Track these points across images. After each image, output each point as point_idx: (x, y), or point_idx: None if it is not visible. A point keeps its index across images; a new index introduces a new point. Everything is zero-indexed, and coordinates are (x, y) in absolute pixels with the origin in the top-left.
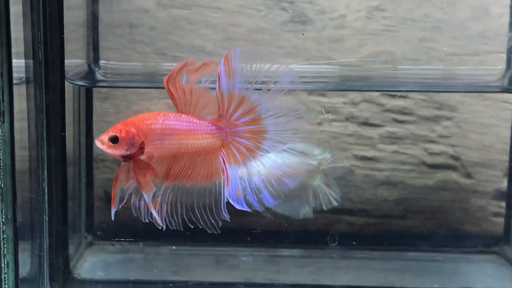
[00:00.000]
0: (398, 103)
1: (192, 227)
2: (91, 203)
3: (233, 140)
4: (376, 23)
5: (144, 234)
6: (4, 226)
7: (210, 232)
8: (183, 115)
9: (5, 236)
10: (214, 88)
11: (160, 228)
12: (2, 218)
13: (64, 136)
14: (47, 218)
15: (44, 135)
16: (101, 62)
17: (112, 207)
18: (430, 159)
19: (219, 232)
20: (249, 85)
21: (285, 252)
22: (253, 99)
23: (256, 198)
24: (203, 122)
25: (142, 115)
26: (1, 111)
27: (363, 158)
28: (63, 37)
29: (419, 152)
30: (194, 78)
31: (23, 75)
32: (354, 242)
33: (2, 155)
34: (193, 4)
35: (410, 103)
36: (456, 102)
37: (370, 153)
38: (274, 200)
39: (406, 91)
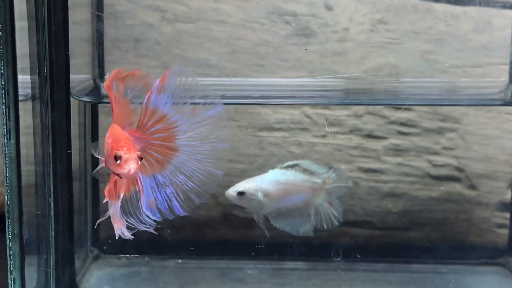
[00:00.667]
0: (402, 115)
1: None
2: (97, 217)
3: (144, 152)
4: (380, 36)
5: (150, 248)
6: (10, 243)
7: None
8: (113, 126)
9: (11, 253)
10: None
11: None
12: (9, 234)
13: (70, 153)
14: (53, 234)
15: (50, 152)
16: (106, 77)
17: (121, 225)
18: (434, 171)
19: (155, 233)
20: (174, 105)
21: (290, 265)
22: (173, 120)
23: (167, 206)
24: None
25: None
26: (8, 129)
27: (368, 170)
28: (68, 54)
29: (424, 164)
30: (121, 87)
31: (29, 91)
32: (359, 255)
33: (8, 172)
34: (197, 18)
35: (414, 115)
36: (460, 114)
37: (374, 165)
38: (184, 211)
39: (409, 105)
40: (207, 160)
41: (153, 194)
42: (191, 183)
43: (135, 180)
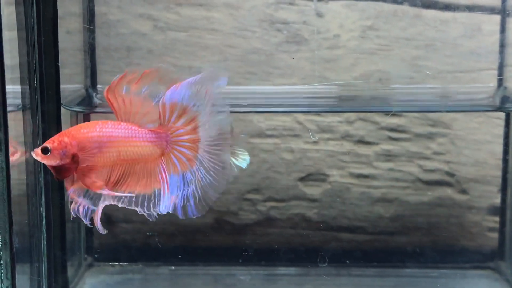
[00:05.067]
0: (393, 121)
1: None
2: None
3: (173, 149)
4: (370, 43)
5: (144, 255)
6: (1, 252)
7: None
8: (122, 123)
9: (2, 262)
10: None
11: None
12: None
13: None
14: (45, 243)
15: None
16: (99, 86)
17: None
18: (425, 176)
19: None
20: (192, 95)
21: (282, 270)
22: (195, 109)
23: (182, 205)
24: (143, 129)
25: (80, 124)
26: None
27: (359, 176)
28: (58, 65)
29: (415, 169)
30: (135, 88)
31: (19, 101)
32: (350, 259)
33: None
34: (189, 27)
35: (404, 120)
36: (450, 119)
37: (366, 170)
38: (197, 212)
39: (399, 111)
40: (223, 150)
41: (176, 192)
42: (209, 177)
43: (162, 179)
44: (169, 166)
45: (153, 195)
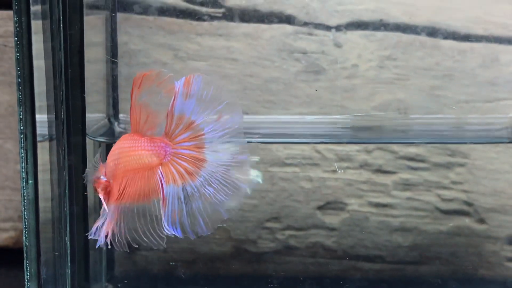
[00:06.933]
0: (411, 150)
1: (137, 246)
2: (112, 254)
3: (172, 160)
4: (388, 72)
5: (164, 283)
6: (29, 283)
7: (155, 248)
8: (131, 134)
9: None
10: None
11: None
12: (27, 274)
13: (86, 195)
14: (69, 273)
15: (67, 192)
16: (121, 116)
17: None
18: (443, 205)
19: (165, 247)
20: (201, 112)
21: None
22: (201, 127)
23: (190, 223)
24: (143, 138)
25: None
26: (26, 172)
27: (378, 205)
28: (84, 97)
29: (433, 199)
30: (138, 93)
31: (46, 132)
32: None
33: (26, 213)
34: (209, 56)
35: (423, 150)
36: (468, 149)
37: (384, 199)
38: (208, 230)
39: (418, 143)
40: (233, 172)
41: (178, 205)
42: (220, 196)
43: (158, 188)
44: (168, 176)
45: (152, 207)
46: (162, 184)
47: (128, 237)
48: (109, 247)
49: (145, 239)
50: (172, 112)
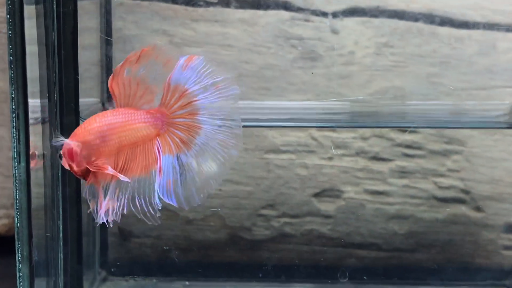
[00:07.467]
0: (408, 137)
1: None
2: (105, 239)
3: (168, 130)
4: (385, 59)
5: (158, 270)
6: (20, 265)
7: (150, 223)
8: (120, 109)
9: (21, 274)
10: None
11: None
12: (18, 256)
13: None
14: (62, 256)
15: (59, 175)
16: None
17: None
18: (440, 193)
19: (159, 223)
20: (197, 82)
21: (297, 287)
22: (195, 93)
23: (184, 192)
24: (139, 111)
25: (84, 121)
26: (18, 152)
27: (374, 193)
28: (78, 79)
29: (429, 186)
30: (135, 68)
31: (39, 115)
32: (365, 277)
33: (18, 194)
34: (204, 42)
35: (419, 137)
36: (465, 137)
37: (380, 187)
38: (199, 199)
39: (415, 127)
40: (228, 141)
41: (173, 175)
42: (213, 164)
43: (155, 159)
44: (165, 147)
45: (151, 178)
46: (159, 154)
47: (125, 210)
48: (111, 225)
49: (141, 213)
50: (169, 83)
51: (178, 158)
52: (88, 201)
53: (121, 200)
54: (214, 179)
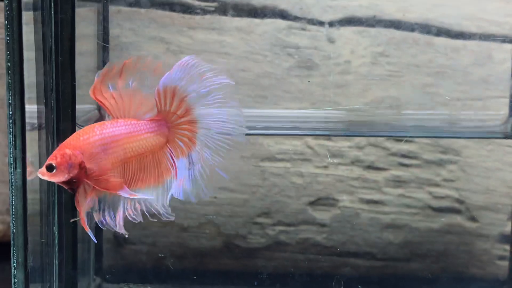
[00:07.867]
0: (403, 147)
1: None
2: (100, 246)
3: (174, 133)
4: (381, 69)
5: (153, 277)
6: (15, 271)
7: (164, 219)
8: (120, 120)
9: (16, 280)
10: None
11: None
12: (14, 262)
13: None
14: (57, 262)
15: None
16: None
17: (86, 229)
18: (435, 203)
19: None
20: (183, 78)
21: None
22: (184, 88)
23: (191, 186)
24: (142, 121)
25: (77, 132)
26: (14, 158)
27: (369, 202)
28: (75, 85)
29: (424, 196)
30: (121, 82)
31: (36, 121)
32: (359, 286)
33: (14, 200)
34: (202, 50)
35: (415, 147)
36: (461, 147)
37: (375, 196)
38: (209, 192)
39: (410, 137)
40: (227, 128)
41: (184, 174)
42: (217, 157)
43: (171, 166)
44: (177, 151)
45: (166, 186)
46: (173, 160)
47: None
48: (127, 235)
49: (155, 216)
50: (158, 88)
51: (189, 157)
52: (93, 212)
53: (137, 209)
54: (223, 169)
